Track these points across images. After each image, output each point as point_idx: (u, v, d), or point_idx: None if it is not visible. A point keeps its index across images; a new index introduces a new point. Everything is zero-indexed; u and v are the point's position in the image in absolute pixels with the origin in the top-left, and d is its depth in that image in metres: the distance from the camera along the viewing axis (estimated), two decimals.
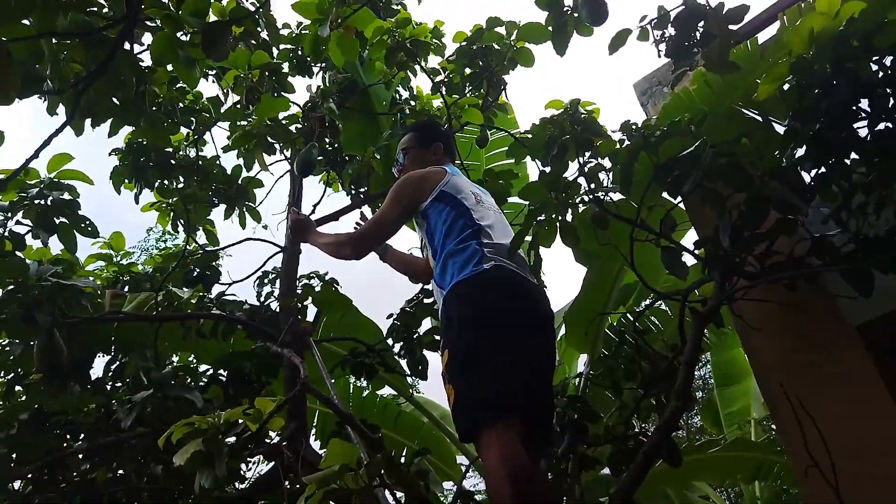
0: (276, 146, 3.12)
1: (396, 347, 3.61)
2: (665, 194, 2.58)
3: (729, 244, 2.16)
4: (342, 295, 2.83)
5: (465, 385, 2.05)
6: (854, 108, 2.01)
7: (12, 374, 3.36)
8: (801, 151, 2.20)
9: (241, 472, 3.06)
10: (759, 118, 2.37)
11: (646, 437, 3.03)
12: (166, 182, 3.42)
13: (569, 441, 3.14)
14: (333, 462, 1.57)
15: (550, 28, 2.79)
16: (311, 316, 3.41)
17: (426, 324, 3.55)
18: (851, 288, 2.11)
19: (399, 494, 2.06)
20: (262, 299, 3.52)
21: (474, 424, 1.97)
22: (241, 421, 1.94)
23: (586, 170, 2.54)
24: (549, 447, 3.27)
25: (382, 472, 1.63)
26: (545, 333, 2.34)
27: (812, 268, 2.13)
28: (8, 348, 3.31)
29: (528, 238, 2.59)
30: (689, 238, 5.15)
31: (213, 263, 3.47)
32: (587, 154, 2.51)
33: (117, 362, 3.52)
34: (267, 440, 2.89)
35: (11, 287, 2.48)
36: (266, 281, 3.57)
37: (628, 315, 5.18)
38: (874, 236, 1.98)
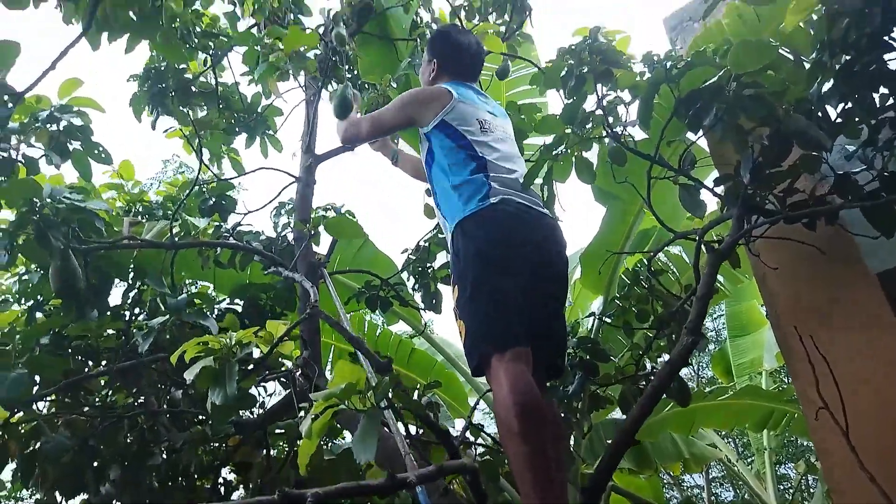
0: (291, 73, 3.07)
1: (411, 282, 3.63)
2: (689, 136, 2.53)
3: (750, 180, 2.11)
4: (355, 223, 2.82)
5: (472, 318, 2.07)
6: (885, 38, 1.93)
7: (32, 302, 3.43)
8: (827, 86, 2.13)
9: (257, 399, 3.14)
10: (791, 56, 2.29)
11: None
12: (186, 109, 3.39)
13: (579, 380, 3.17)
14: (339, 383, 1.59)
15: None
16: (325, 249, 3.42)
17: (441, 258, 3.55)
18: (873, 228, 2.08)
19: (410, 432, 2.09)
20: (278, 230, 3.54)
21: (484, 355, 1.98)
22: (252, 343, 1.96)
23: (605, 103, 2.48)
24: (560, 387, 3.31)
25: (390, 395, 1.65)
26: (555, 266, 2.33)
27: (833, 206, 2.07)
28: (26, 276, 3.37)
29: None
30: (711, 180, 5.06)
31: (229, 193, 3.47)
32: (607, 86, 2.43)
33: (135, 290, 3.58)
34: (282, 366, 2.94)
35: (25, 209, 2.49)
36: (282, 212, 3.57)
37: (644, 260, 5.15)
38: None
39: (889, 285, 2.35)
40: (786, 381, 9.69)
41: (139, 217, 3.45)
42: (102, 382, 3.53)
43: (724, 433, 9.75)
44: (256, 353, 2.92)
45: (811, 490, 9.28)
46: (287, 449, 3.63)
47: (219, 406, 2.96)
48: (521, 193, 2.33)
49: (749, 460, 9.72)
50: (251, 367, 2.06)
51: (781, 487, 9.46)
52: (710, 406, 5.89)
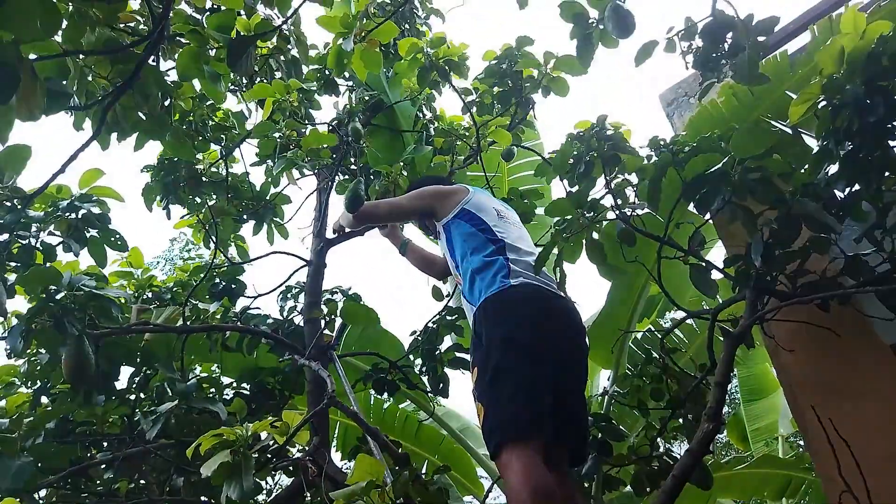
0: (305, 166, 3.17)
1: (418, 364, 3.59)
2: (692, 209, 2.55)
3: (761, 262, 2.12)
4: (370, 309, 2.88)
5: (493, 404, 2.07)
6: (889, 126, 1.96)
7: (38, 385, 3.40)
8: (833, 168, 2.16)
9: (263, 487, 3.07)
10: (790, 131, 2.34)
11: (670, 458, 2.99)
12: (197, 199, 3.48)
13: (593, 460, 3.10)
14: (360, 478, 1.56)
15: (575, 40, 2.79)
16: (334, 330, 3.41)
17: (448, 341, 3.52)
18: (886, 309, 2.07)
19: None
20: (285, 313, 3.54)
21: (500, 443, 1.97)
22: (267, 434, 1.93)
23: (612, 186, 2.51)
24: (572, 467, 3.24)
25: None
26: (576, 348, 2.34)
27: (846, 289, 2.07)
28: (35, 359, 3.36)
29: (554, 253, 2.57)
30: (715, 253, 5.07)
31: (239, 277, 3.49)
32: (614, 171, 2.48)
33: (142, 374, 3.55)
34: (289, 454, 2.88)
35: (44, 295, 2.51)
36: (290, 295, 3.58)
37: (653, 330, 5.12)
38: None
39: None
40: (801, 445, 9.47)
41: (148, 303, 3.45)
42: (102, 466, 3.46)
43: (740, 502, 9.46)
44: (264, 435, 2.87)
45: None
46: None
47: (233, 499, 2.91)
48: (537, 276, 2.36)
49: None
50: (267, 458, 2.02)
51: None
52: (728, 476, 5.76)
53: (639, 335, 5.14)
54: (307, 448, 2.67)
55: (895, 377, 2.33)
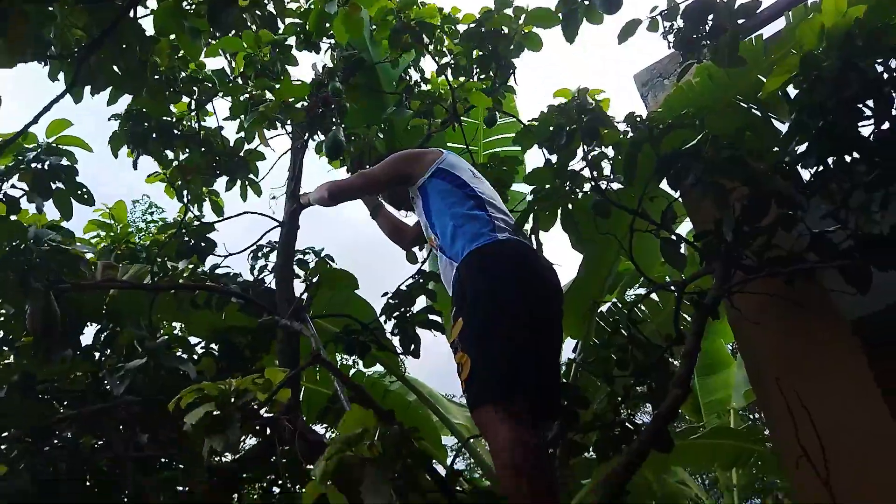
0: (278, 122, 3.09)
1: (389, 326, 3.60)
2: (664, 185, 2.60)
3: (732, 238, 2.18)
4: (350, 274, 2.86)
5: (480, 357, 2.06)
6: (860, 106, 2.02)
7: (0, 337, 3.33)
8: (801, 148, 2.22)
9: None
10: (759, 113, 2.39)
11: (632, 424, 3.07)
12: (167, 151, 3.39)
13: (559, 428, 3.16)
14: (351, 428, 1.56)
15: (560, 14, 2.78)
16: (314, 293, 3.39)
17: (420, 302, 3.54)
18: (848, 284, 2.15)
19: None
20: (256, 273, 3.50)
21: (484, 399, 1.98)
22: (251, 391, 1.91)
23: (590, 158, 2.55)
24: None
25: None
26: (556, 308, 2.35)
27: (812, 263, 2.15)
28: None
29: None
30: (682, 229, 5.16)
31: (209, 235, 3.44)
32: (593, 143, 2.51)
33: (107, 332, 3.50)
34: (259, 415, 2.87)
35: (7, 250, 2.44)
36: (260, 255, 3.54)
37: (617, 304, 5.22)
38: (878, 234, 1.99)
39: (862, 331, 2.43)
40: (752, 418, 9.81)
41: (122, 259, 3.39)
42: (67, 423, 3.41)
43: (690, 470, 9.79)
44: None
45: None
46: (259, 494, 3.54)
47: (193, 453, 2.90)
48: (518, 234, 2.37)
49: (717, 499, 9.77)
50: (250, 412, 2.01)
51: None
52: (682, 445, 5.92)
53: (604, 308, 5.24)
54: (282, 407, 2.67)
55: (853, 350, 2.43)
